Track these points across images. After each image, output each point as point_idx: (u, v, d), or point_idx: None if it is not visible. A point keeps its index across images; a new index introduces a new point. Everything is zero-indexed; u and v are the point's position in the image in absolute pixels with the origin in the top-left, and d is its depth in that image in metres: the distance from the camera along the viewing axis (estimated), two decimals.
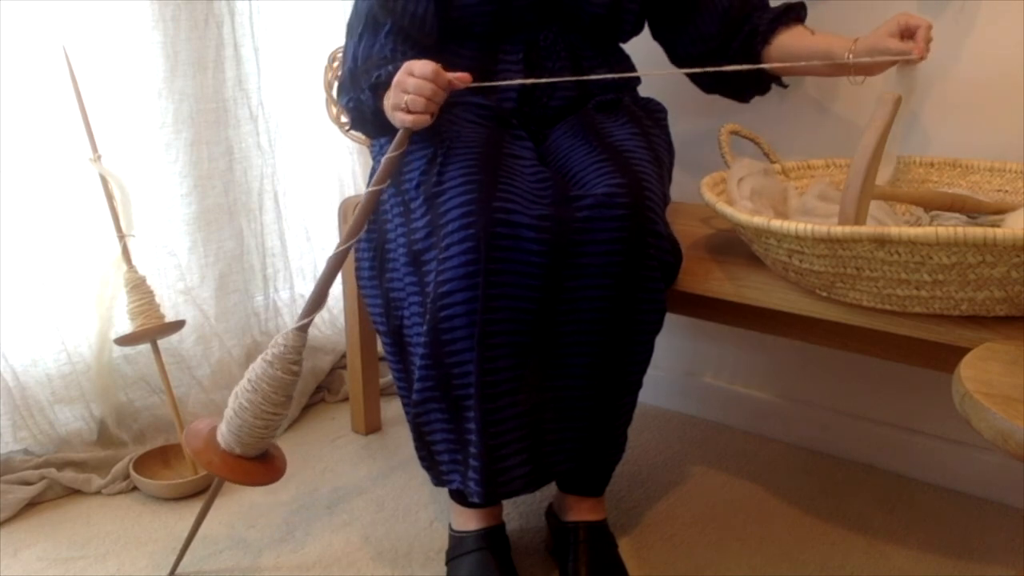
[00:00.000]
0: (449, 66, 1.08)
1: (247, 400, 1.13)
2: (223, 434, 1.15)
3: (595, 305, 1.08)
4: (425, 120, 1.07)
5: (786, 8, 1.32)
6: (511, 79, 1.24)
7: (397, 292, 1.16)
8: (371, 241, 1.22)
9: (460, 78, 1.07)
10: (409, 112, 1.07)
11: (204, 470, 1.48)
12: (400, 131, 1.10)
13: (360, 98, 1.20)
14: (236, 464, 1.14)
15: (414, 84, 1.06)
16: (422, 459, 1.17)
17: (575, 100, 1.30)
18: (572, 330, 1.09)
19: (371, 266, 1.21)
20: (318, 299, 1.15)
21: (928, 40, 1.16)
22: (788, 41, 1.30)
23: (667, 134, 1.35)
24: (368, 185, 1.33)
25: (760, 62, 1.30)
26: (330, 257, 1.14)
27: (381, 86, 1.15)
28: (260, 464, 1.17)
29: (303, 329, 1.14)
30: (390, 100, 1.11)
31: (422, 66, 1.06)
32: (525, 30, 1.26)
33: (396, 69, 1.10)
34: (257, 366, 1.13)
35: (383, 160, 1.11)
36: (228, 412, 1.15)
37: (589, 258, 1.06)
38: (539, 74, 1.26)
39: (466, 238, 1.02)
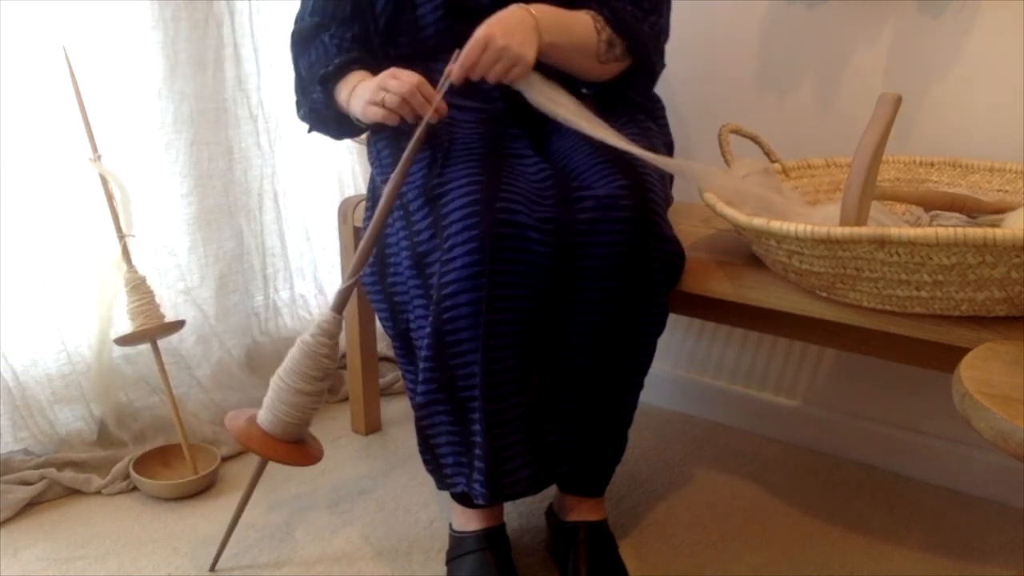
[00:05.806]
0: (429, 81, 1.11)
1: (285, 383, 1.16)
2: (263, 418, 1.18)
3: (598, 307, 1.08)
4: (394, 119, 1.12)
5: None
6: (494, 86, 1.20)
7: (401, 296, 1.15)
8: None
9: (439, 110, 1.12)
10: (384, 107, 1.11)
11: (211, 466, 1.50)
12: (420, 126, 1.12)
13: (314, 97, 1.24)
14: (275, 445, 1.17)
15: (396, 84, 1.10)
16: (426, 463, 1.17)
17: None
18: (575, 332, 1.09)
19: (372, 271, 1.20)
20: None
21: (464, 64, 1.09)
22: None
23: (667, 131, 1.35)
24: (367, 188, 1.33)
25: None
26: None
27: (329, 78, 1.20)
28: (297, 447, 1.20)
29: (337, 310, 1.16)
30: (365, 96, 1.14)
31: (409, 74, 1.12)
32: None
33: (343, 62, 1.18)
34: (295, 349, 1.17)
35: (402, 158, 1.11)
36: (267, 398, 1.18)
37: (593, 260, 1.05)
38: None
39: (470, 239, 1.02)
